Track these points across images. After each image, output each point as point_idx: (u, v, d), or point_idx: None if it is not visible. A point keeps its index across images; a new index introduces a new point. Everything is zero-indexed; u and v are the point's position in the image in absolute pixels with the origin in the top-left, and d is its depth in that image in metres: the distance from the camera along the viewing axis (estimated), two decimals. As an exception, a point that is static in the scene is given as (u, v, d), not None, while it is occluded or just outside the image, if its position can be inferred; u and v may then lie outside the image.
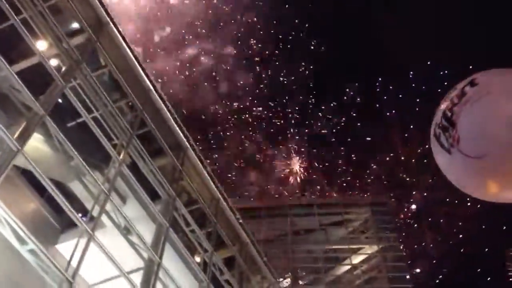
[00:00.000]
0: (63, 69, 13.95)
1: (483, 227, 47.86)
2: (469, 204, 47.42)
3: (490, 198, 9.08)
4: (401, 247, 33.98)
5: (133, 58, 16.84)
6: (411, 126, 53.11)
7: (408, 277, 30.03)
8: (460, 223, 49.55)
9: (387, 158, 54.21)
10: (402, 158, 53.45)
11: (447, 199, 48.99)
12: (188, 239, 18.73)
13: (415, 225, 51.71)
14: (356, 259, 30.71)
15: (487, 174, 8.51)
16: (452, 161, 8.56)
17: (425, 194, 51.80)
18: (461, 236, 49.51)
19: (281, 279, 26.30)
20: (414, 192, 52.51)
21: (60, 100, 14.18)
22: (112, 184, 14.26)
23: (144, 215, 16.35)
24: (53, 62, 14.11)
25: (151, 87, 17.64)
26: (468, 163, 8.28)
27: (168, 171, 18.12)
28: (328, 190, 51.52)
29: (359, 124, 55.90)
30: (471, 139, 8.11)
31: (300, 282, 30.84)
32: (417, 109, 52.58)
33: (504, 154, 8.08)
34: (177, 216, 17.75)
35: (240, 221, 22.52)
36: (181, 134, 19.04)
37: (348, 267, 30.47)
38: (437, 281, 50.52)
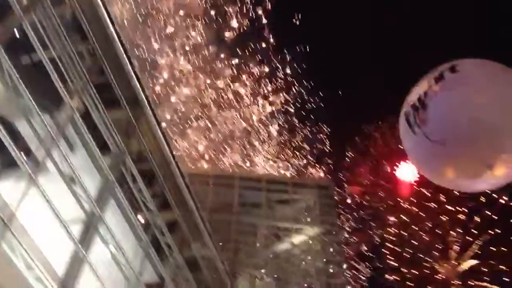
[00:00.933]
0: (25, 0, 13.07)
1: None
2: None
3: (445, 184, 9.27)
4: (341, 232, 34.59)
5: (99, 2, 16.03)
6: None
7: (344, 261, 30.78)
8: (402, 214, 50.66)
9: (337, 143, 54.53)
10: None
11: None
12: (133, 197, 18.31)
13: (359, 211, 52.70)
14: (297, 239, 31.13)
15: (445, 160, 8.65)
16: (415, 141, 8.68)
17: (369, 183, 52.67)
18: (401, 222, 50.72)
19: (221, 248, 26.27)
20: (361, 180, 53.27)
21: (17, 36, 13.37)
22: (61, 130, 13.65)
23: (91, 166, 15.75)
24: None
25: (115, 36, 16.88)
26: (429, 147, 8.40)
27: (122, 125, 17.52)
28: (278, 168, 51.69)
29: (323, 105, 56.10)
30: (436, 124, 8.21)
31: (239, 254, 31.03)
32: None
33: (462, 145, 8.22)
34: (124, 172, 17.28)
35: (188, 186, 22.25)
36: (140, 90, 18.42)
37: (288, 245, 30.85)
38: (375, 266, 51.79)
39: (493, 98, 8.05)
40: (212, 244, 24.39)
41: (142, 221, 18.58)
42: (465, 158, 8.23)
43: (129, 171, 17.52)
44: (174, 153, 21.54)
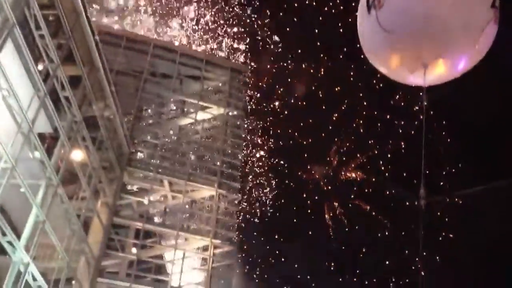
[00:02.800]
0: None
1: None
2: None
3: (386, 72, 9.60)
4: (246, 116, 35.43)
5: None
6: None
7: (244, 144, 31.92)
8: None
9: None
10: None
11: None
12: (35, 44, 17.23)
13: (268, 103, 53.66)
14: (201, 116, 31.48)
15: (389, 48, 8.92)
16: (367, 22, 8.80)
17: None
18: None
19: (123, 114, 25.99)
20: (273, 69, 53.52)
21: None
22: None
23: (-10, 1, 14.43)
24: None
25: None
26: (378, 32, 8.55)
27: (30, -38, 15.95)
28: (193, 42, 50.38)
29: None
30: (390, 11, 8.30)
31: (141, 122, 31.00)
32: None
33: (407, 37, 8.44)
34: (28, 15, 16.06)
35: (97, 42, 21.28)
36: None
37: (191, 120, 31.19)
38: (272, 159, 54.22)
39: None
40: (115, 107, 24.08)
41: (42, 70, 17.72)
42: (406, 51, 8.54)
43: (33, 14, 16.30)
44: (87, 5, 20.23)
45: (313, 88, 51.42)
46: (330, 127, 50.55)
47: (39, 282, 17.64)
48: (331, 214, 51.87)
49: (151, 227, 27.64)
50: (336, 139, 51.21)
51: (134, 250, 27.24)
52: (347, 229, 50.58)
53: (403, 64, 8.86)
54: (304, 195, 51.92)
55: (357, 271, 50.62)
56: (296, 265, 52.09)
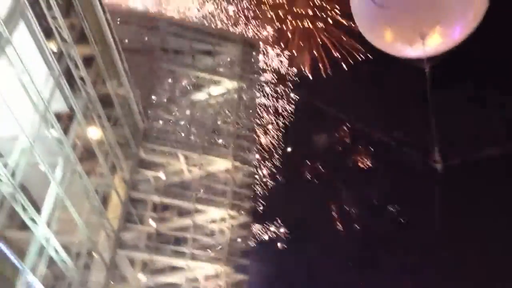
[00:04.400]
0: None
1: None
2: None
3: (382, 47, 9.81)
4: (258, 90, 35.60)
5: None
6: None
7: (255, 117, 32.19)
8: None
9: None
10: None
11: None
12: (47, 24, 17.54)
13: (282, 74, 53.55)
14: (214, 91, 31.75)
15: (385, 23, 9.12)
16: (361, 1, 9.00)
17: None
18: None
19: (137, 90, 26.38)
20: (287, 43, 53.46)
21: None
22: None
23: (1, -16, 14.73)
24: None
25: None
26: (372, 9, 8.77)
27: None
28: (204, 17, 50.22)
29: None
30: None
31: (153, 98, 31.36)
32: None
33: (402, 11, 8.61)
34: (39, -4, 16.35)
35: (109, 21, 21.52)
36: None
37: (205, 96, 31.50)
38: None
39: None
40: (128, 84, 24.46)
41: (55, 50, 18.09)
42: (402, 24, 8.69)
43: (44, -5, 16.58)
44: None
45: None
46: (343, 98, 50.56)
47: (61, 255, 18.37)
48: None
49: (168, 200, 28.26)
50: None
51: (152, 223, 27.93)
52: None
53: (401, 37, 9.01)
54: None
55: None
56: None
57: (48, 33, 17.56)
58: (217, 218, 28.51)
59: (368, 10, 8.67)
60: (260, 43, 39.08)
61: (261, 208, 50.13)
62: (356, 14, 9.46)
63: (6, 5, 14.61)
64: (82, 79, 19.78)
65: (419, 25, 8.46)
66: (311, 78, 52.95)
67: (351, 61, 50.61)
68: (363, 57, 49.68)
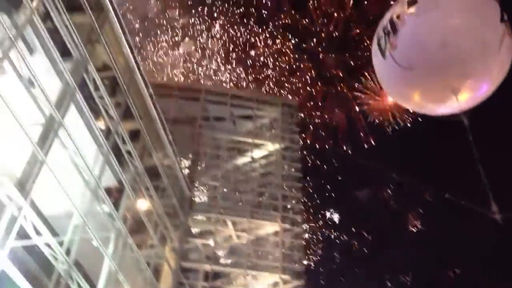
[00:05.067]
0: None
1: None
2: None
3: (413, 107, 9.68)
4: (300, 149, 35.55)
5: None
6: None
7: (300, 177, 32.02)
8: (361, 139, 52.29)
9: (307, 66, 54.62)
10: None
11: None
12: (95, 104, 18.38)
13: (321, 133, 53.95)
14: (257, 154, 32.01)
15: (413, 85, 8.98)
16: (384, 65, 8.95)
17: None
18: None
19: (182, 160, 26.93)
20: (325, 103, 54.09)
21: None
22: (19, 31, 13.37)
23: (52, 71, 15.63)
24: None
25: None
26: (397, 72, 8.69)
27: (85, 30, 17.20)
28: (242, 82, 51.67)
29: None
30: (406, 49, 8.45)
31: (200, 166, 31.83)
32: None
33: (429, 70, 8.48)
34: (86, 79, 17.22)
35: (152, 96, 22.37)
36: (103, -6, 17.94)
37: (248, 159, 31.75)
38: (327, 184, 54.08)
39: (462, 22, 8.17)
40: (174, 154, 24.99)
41: (103, 128, 18.81)
42: (432, 83, 8.55)
43: (91, 77, 17.45)
44: (139, 62, 21.44)
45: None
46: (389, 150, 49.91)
47: (117, 330, 18.24)
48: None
49: (219, 268, 27.98)
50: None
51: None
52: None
53: (432, 97, 8.83)
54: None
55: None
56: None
57: (96, 112, 18.37)
58: (269, 283, 27.90)
59: (393, 72, 8.58)
60: (298, 104, 39.42)
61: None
62: (381, 78, 9.41)
63: (56, 90, 15.47)
64: (129, 153, 20.35)
65: (449, 82, 8.28)
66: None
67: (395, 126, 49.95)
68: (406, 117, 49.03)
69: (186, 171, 27.93)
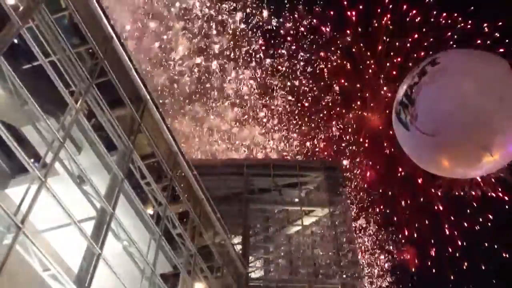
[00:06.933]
0: (21, 8, 13.32)
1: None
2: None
3: (443, 173, 9.50)
4: (350, 211, 34.90)
5: (95, 3, 16.25)
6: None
7: (355, 239, 31.17)
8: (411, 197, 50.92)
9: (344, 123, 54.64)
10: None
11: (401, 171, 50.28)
12: (143, 192, 18.73)
13: (368, 191, 52.95)
14: (307, 221, 31.51)
15: (440, 151, 8.84)
16: (409, 137, 8.90)
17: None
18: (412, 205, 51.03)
19: (233, 236, 26.74)
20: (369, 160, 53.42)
21: (16, 41, 13.67)
22: (67, 132, 13.98)
23: (99, 165, 16.17)
24: (10, 1, 13.40)
25: (113, 35, 17.14)
26: (424, 140, 8.61)
27: (126, 123, 17.87)
28: (283, 151, 51.94)
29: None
30: (427, 117, 8.41)
31: (251, 240, 31.49)
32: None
33: (455, 133, 8.37)
34: (132, 168, 17.66)
35: (196, 176, 22.62)
36: (141, 86, 18.73)
37: (299, 227, 31.24)
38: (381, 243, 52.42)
39: (477, 82, 8.19)
40: (224, 232, 24.84)
41: (152, 213, 19.02)
42: (460, 145, 8.37)
43: (137, 167, 17.91)
44: (180, 145, 21.92)
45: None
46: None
47: None
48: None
49: None
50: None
51: None
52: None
53: (461, 161, 8.64)
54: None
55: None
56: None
57: (144, 199, 18.66)
58: None
59: (420, 141, 8.48)
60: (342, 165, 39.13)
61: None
62: (409, 150, 9.29)
63: (105, 182, 15.89)
64: (180, 235, 20.36)
65: (478, 140, 8.09)
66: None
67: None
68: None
69: (238, 247, 27.55)
